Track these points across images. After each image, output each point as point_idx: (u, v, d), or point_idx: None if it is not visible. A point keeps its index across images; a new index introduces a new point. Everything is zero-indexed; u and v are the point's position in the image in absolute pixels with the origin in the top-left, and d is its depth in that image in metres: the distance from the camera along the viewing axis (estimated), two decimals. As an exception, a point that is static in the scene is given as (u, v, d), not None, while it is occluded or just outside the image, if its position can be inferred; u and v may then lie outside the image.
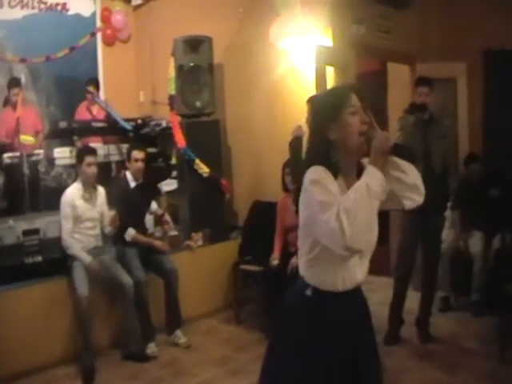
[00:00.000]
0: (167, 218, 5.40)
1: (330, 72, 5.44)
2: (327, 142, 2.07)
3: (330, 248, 1.95)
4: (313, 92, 5.23)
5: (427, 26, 6.46)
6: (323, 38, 5.46)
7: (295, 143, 5.15)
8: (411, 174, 2.11)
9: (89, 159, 4.76)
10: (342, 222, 1.83)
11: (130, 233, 4.96)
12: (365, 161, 2.09)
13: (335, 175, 2.03)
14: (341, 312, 2.11)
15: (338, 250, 1.91)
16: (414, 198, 2.13)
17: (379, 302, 4.97)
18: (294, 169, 4.94)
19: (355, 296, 2.19)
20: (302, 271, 2.19)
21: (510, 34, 5.78)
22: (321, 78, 5.29)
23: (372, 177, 1.90)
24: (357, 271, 2.12)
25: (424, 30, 6.45)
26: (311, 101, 4.68)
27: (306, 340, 2.12)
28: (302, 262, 2.20)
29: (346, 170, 2.09)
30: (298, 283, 2.21)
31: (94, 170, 4.78)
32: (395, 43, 6.11)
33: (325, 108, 2.12)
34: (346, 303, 2.13)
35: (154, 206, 5.37)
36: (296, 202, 4.86)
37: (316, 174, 2.00)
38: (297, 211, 4.86)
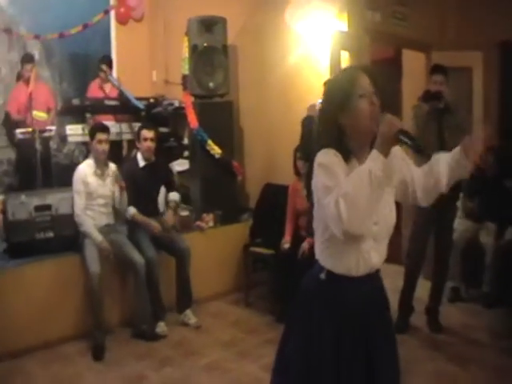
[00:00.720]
0: (169, 216, 5.14)
1: (345, 57, 5.42)
2: (338, 127, 2.06)
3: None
4: (326, 76, 5.22)
5: (444, 14, 6.40)
6: (338, 22, 5.43)
7: (307, 121, 5.16)
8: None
9: (100, 136, 4.74)
10: (339, 207, 1.82)
11: (130, 211, 4.92)
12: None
13: (346, 159, 2.03)
14: (355, 298, 2.10)
15: (338, 234, 1.91)
16: (430, 201, 2.20)
17: (389, 289, 4.91)
18: (304, 147, 4.94)
19: (371, 282, 2.15)
20: (317, 254, 2.18)
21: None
22: (335, 62, 5.28)
23: (375, 162, 1.86)
24: (372, 255, 2.09)
25: (441, 18, 6.39)
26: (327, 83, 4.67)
27: (320, 324, 2.11)
28: (317, 245, 2.19)
29: (359, 152, 2.07)
30: (315, 267, 2.20)
31: (104, 147, 4.75)
32: (411, 30, 6.06)
33: (334, 95, 2.10)
34: (361, 289, 2.11)
35: (174, 195, 5.24)
36: (307, 187, 4.87)
37: (325, 156, 2.01)
38: (307, 196, 4.88)
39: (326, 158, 2.00)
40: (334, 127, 2.07)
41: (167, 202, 5.24)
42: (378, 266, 2.15)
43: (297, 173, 5.06)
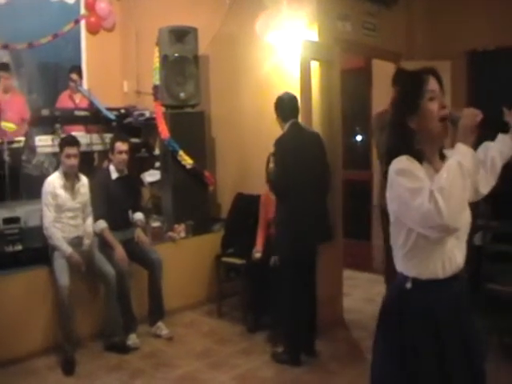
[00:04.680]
0: (141, 235, 5.13)
1: (315, 66, 5.44)
2: (409, 131, 2.09)
3: (425, 234, 1.97)
4: (297, 86, 5.23)
5: (413, 24, 6.49)
6: (309, 32, 5.46)
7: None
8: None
9: (68, 150, 4.66)
10: (437, 202, 1.84)
11: (99, 225, 4.87)
12: (447, 152, 2.13)
13: (420, 162, 2.05)
14: (443, 300, 2.09)
15: (434, 233, 1.93)
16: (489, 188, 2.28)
17: (363, 298, 4.99)
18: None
19: (456, 283, 2.13)
20: (400, 266, 2.16)
21: (494, 35, 5.85)
22: (305, 72, 5.29)
23: (463, 154, 1.91)
24: (456, 253, 2.10)
25: (409, 28, 6.48)
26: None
27: (414, 335, 2.09)
28: (398, 258, 2.17)
29: (430, 155, 2.11)
30: (396, 280, 2.18)
31: (73, 161, 4.67)
32: (380, 40, 6.12)
33: (404, 98, 2.14)
34: (450, 290, 2.10)
35: (139, 215, 5.24)
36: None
37: (400, 163, 2.03)
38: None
39: (402, 163, 2.03)
40: (405, 131, 2.10)
41: (134, 223, 5.20)
42: (461, 265, 2.15)
43: (268, 180, 5.02)
